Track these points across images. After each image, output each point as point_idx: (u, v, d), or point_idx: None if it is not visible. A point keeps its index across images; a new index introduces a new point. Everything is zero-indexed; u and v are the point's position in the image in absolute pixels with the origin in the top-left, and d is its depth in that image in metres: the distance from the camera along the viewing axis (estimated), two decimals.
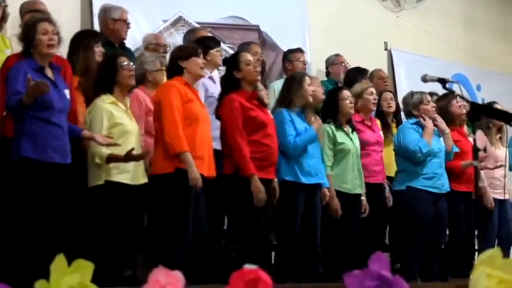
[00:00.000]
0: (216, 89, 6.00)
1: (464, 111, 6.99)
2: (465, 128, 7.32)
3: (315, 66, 8.46)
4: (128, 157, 4.94)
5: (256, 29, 8.24)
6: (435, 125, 6.65)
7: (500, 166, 7.04)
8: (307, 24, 8.70)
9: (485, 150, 6.97)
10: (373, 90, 6.68)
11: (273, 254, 6.01)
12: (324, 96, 6.40)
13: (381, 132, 6.73)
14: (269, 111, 5.76)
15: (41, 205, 4.66)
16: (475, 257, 7.32)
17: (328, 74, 8.09)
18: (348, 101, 6.26)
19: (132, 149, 4.94)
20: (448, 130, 6.66)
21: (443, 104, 6.94)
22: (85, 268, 1.52)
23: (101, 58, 5.56)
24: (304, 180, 5.79)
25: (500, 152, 7.17)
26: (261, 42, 7.93)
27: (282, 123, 5.79)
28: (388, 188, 6.62)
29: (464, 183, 6.87)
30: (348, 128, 6.30)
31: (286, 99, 5.96)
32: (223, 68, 6.06)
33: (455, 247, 6.87)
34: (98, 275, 1.61)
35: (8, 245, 4.59)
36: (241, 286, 1.40)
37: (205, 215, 5.20)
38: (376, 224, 6.44)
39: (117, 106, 5.14)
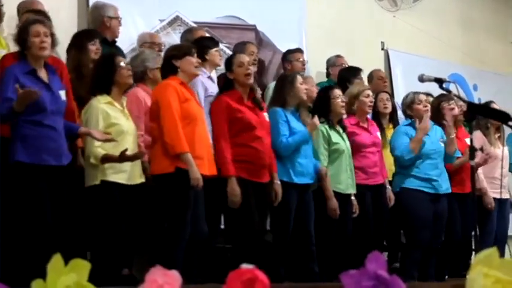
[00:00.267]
0: (215, 89, 5.99)
1: (456, 112, 7.01)
2: (464, 129, 7.33)
3: (311, 65, 8.45)
4: (122, 157, 4.94)
5: (253, 28, 8.24)
6: (443, 126, 6.67)
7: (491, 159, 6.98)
8: (303, 24, 8.69)
9: (482, 150, 6.97)
10: (369, 92, 6.67)
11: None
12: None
13: (379, 133, 6.72)
14: (265, 114, 5.70)
15: (37, 208, 4.65)
16: (472, 256, 7.33)
17: (328, 74, 8.09)
18: (339, 100, 6.26)
19: (126, 150, 4.93)
20: (452, 134, 6.63)
21: (435, 105, 6.94)
22: (81, 268, 1.52)
23: (97, 56, 5.56)
24: (297, 180, 5.79)
25: (500, 151, 7.16)
26: (257, 42, 7.93)
27: (276, 123, 5.79)
28: (389, 187, 6.61)
29: (457, 185, 6.87)
30: (339, 128, 6.29)
31: (279, 99, 5.96)
32: (221, 68, 6.07)
33: (451, 247, 6.87)
34: (94, 275, 1.61)
35: (6, 246, 4.58)
36: (238, 286, 1.41)
37: (204, 215, 5.20)
38: (376, 225, 6.44)
39: (113, 106, 5.13)
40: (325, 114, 6.24)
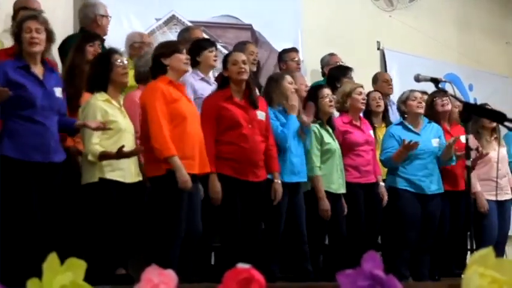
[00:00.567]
0: (209, 90, 5.97)
1: (447, 108, 7.02)
2: (459, 127, 7.33)
3: (307, 65, 8.46)
4: (120, 154, 4.93)
5: (249, 28, 8.24)
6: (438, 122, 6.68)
7: (482, 157, 6.96)
8: (299, 23, 8.70)
9: (477, 149, 6.97)
10: (361, 90, 6.67)
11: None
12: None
13: (371, 132, 6.72)
14: (258, 112, 5.68)
15: (25, 204, 4.64)
16: (468, 256, 7.34)
17: (324, 74, 8.09)
18: (327, 99, 6.25)
19: (123, 146, 4.92)
20: (451, 141, 6.63)
21: (428, 101, 6.96)
22: (77, 267, 1.52)
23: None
24: (286, 179, 5.79)
25: (495, 153, 7.10)
26: (253, 41, 7.92)
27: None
28: (382, 184, 6.62)
29: (450, 182, 6.88)
30: (328, 127, 6.29)
31: (266, 97, 5.97)
32: (219, 67, 6.07)
33: (441, 246, 6.87)
34: (90, 274, 1.61)
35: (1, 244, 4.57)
36: (234, 285, 1.40)
37: (200, 214, 5.20)
38: (370, 224, 6.44)
39: (110, 104, 5.12)
40: (315, 113, 6.24)
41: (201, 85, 6.05)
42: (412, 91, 6.74)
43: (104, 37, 6.42)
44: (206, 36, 7.13)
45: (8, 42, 5.50)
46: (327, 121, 6.30)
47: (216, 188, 5.40)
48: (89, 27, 6.44)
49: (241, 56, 5.71)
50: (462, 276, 1.50)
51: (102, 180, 4.98)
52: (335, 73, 7.46)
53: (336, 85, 7.03)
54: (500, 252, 7.02)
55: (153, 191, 5.12)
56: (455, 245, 7.00)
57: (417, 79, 4.53)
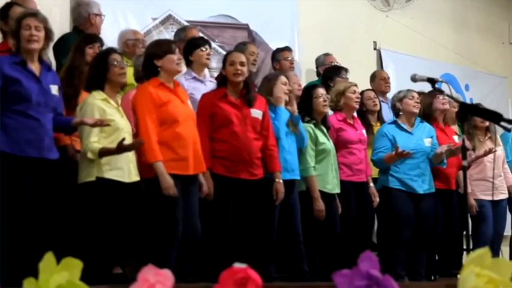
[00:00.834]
0: (200, 90, 5.96)
1: (447, 107, 7.04)
2: (451, 128, 7.35)
3: (304, 65, 8.47)
4: (120, 148, 4.91)
5: (245, 27, 8.25)
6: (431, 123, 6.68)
7: (490, 153, 6.97)
8: (296, 23, 8.70)
9: (473, 149, 6.98)
10: (355, 88, 6.66)
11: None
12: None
13: (364, 131, 6.73)
14: (253, 111, 5.67)
15: (20, 199, 4.62)
16: (464, 256, 7.35)
17: (318, 74, 8.09)
18: (321, 99, 6.24)
19: (124, 139, 4.91)
20: (443, 149, 6.65)
21: (427, 100, 6.97)
22: (74, 266, 1.52)
23: None
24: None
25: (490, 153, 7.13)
26: (250, 41, 7.92)
27: None
28: (372, 184, 6.62)
29: (444, 180, 6.89)
30: (323, 127, 6.29)
31: None
32: (214, 67, 6.06)
33: (435, 245, 6.87)
34: (86, 273, 1.61)
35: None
36: (231, 285, 1.41)
37: (198, 214, 5.21)
38: (362, 223, 6.45)
39: (108, 103, 5.12)
40: (309, 113, 6.24)
41: (193, 84, 6.02)
42: (409, 90, 6.75)
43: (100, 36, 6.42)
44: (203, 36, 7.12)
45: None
46: (321, 121, 6.30)
47: (209, 184, 5.41)
48: (83, 26, 6.44)
49: (240, 57, 5.68)
50: (458, 276, 1.51)
51: (100, 179, 4.96)
52: (329, 73, 7.47)
53: (329, 84, 7.04)
54: (495, 252, 7.03)
55: (147, 192, 5.11)
56: (451, 245, 7.01)
57: (414, 79, 4.53)
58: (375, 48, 9.60)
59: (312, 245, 6.03)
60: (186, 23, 7.57)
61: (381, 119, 7.26)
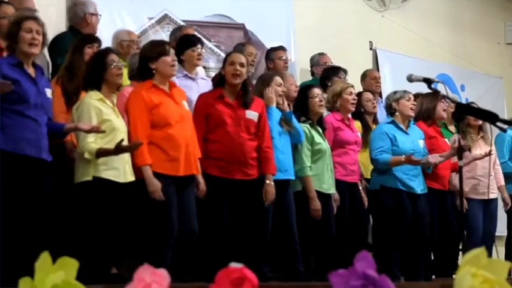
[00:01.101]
0: (191, 88, 5.96)
1: (445, 115, 7.07)
2: (452, 128, 7.38)
3: (300, 65, 8.47)
4: (118, 149, 4.91)
5: (241, 27, 8.24)
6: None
7: (487, 155, 7.00)
8: (292, 23, 8.70)
9: (470, 150, 6.99)
10: (352, 90, 6.66)
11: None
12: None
13: (359, 133, 6.73)
14: (248, 112, 5.66)
15: (18, 197, 4.61)
16: (459, 256, 7.36)
17: (313, 73, 8.09)
18: (317, 99, 6.24)
19: (122, 140, 4.91)
20: (437, 162, 6.67)
21: (430, 104, 6.96)
22: (70, 266, 1.51)
23: None
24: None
25: (483, 151, 7.15)
26: (246, 40, 7.92)
27: None
28: (361, 188, 6.62)
29: (439, 180, 6.90)
30: (318, 128, 6.29)
31: None
32: (210, 66, 6.05)
33: (432, 246, 6.88)
34: (82, 273, 1.61)
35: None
36: (227, 284, 1.40)
37: (195, 214, 5.20)
38: (356, 223, 6.45)
39: (104, 103, 5.11)
40: (305, 113, 6.24)
41: (184, 82, 6.00)
42: (406, 92, 6.74)
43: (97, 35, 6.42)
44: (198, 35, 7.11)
45: None
46: (317, 121, 6.30)
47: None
48: (79, 25, 6.43)
49: (240, 59, 5.67)
50: (454, 276, 1.51)
51: (96, 179, 4.96)
52: (327, 73, 7.48)
53: (327, 84, 7.05)
54: (487, 252, 7.03)
55: (142, 191, 5.11)
56: (447, 245, 7.01)
57: (410, 79, 4.53)
58: (370, 48, 9.60)
59: (308, 245, 6.03)
60: (182, 23, 7.56)
61: (376, 121, 7.27)
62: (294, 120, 6.04)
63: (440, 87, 5.23)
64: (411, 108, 6.72)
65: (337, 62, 7.93)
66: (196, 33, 6.99)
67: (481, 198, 7.30)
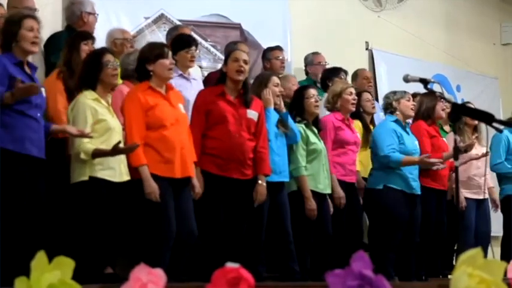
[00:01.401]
0: (186, 87, 5.96)
1: (444, 115, 7.08)
2: (447, 128, 7.39)
3: (296, 65, 8.47)
4: (115, 151, 4.91)
5: (238, 27, 8.24)
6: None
7: (484, 155, 7.03)
8: (288, 23, 8.70)
9: (466, 151, 7.00)
10: (352, 90, 6.65)
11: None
12: None
13: (359, 134, 6.73)
14: (249, 111, 5.66)
15: (20, 197, 4.60)
16: (453, 256, 7.37)
17: (307, 72, 8.10)
18: (313, 100, 6.24)
19: (119, 142, 4.91)
20: (439, 168, 6.69)
21: (430, 103, 6.97)
22: (66, 265, 1.51)
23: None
24: (268, 178, 5.76)
25: (477, 151, 7.17)
26: (243, 40, 7.92)
27: None
28: (358, 189, 6.63)
29: (438, 180, 6.91)
30: (314, 128, 6.29)
31: None
32: (206, 66, 6.04)
33: (427, 246, 6.88)
34: (78, 273, 1.61)
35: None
36: (224, 284, 1.40)
37: (192, 215, 5.20)
38: (353, 223, 6.46)
39: (99, 103, 5.11)
40: (300, 113, 6.24)
41: (180, 82, 6.01)
42: (406, 92, 6.76)
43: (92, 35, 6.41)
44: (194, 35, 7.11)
45: None
46: (312, 122, 6.30)
47: (199, 183, 5.39)
48: (76, 24, 6.42)
49: (243, 55, 5.69)
50: (449, 276, 1.51)
51: (92, 179, 4.95)
52: (327, 74, 7.51)
53: (328, 85, 7.07)
54: (483, 252, 7.04)
55: (138, 191, 5.10)
56: (442, 245, 7.02)
57: (406, 79, 4.53)
58: (366, 49, 9.61)
59: (304, 245, 6.03)
60: (178, 22, 7.56)
61: (373, 122, 7.27)
62: (290, 121, 6.04)
63: (437, 88, 5.24)
64: (411, 109, 6.75)
65: (333, 62, 7.93)
66: (192, 33, 6.99)
67: (475, 198, 7.34)
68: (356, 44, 9.44)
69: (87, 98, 5.06)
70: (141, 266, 1.53)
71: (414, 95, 6.92)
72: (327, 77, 7.42)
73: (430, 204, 6.79)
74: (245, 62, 5.62)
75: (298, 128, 6.12)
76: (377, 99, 8.18)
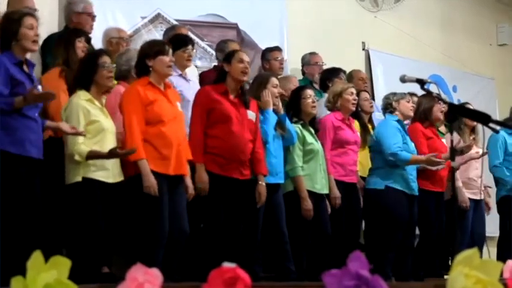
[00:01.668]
0: (185, 87, 5.96)
1: (442, 117, 7.10)
2: (443, 128, 7.39)
3: (292, 65, 8.46)
4: (112, 154, 4.91)
5: (234, 27, 8.24)
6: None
7: (484, 155, 7.06)
8: (285, 23, 8.70)
9: (462, 152, 7.01)
10: (353, 90, 6.66)
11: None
12: None
13: (358, 133, 6.74)
14: (249, 112, 5.67)
15: (22, 199, 4.60)
16: (449, 256, 7.37)
17: (303, 72, 8.10)
18: (309, 100, 6.25)
19: (117, 147, 4.92)
20: (439, 168, 6.70)
21: (428, 104, 6.97)
22: (62, 265, 1.51)
23: (83, 53, 5.55)
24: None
25: (472, 152, 7.18)
26: (239, 40, 7.92)
27: None
28: (358, 189, 6.63)
29: (437, 182, 6.91)
30: (311, 129, 6.29)
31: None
32: (203, 66, 6.05)
33: (427, 247, 6.89)
34: (75, 272, 1.60)
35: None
36: (220, 284, 1.40)
37: (186, 214, 5.20)
38: (351, 223, 6.46)
39: (93, 104, 5.10)
40: (297, 113, 6.24)
41: (180, 82, 6.02)
42: (405, 93, 6.79)
43: (89, 35, 6.39)
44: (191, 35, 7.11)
45: None
46: (309, 122, 6.30)
47: (203, 179, 5.39)
48: (74, 24, 6.41)
49: (247, 57, 5.72)
50: (445, 276, 1.51)
51: (86, 180, 4.95)
52: (326, 75, 7.52)
53: (327, 86, 7.08)
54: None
55: (132, 190, 5.10)
56: (440, 245, 7.03)
57: (403, 80, 4.53)
58: (363, 49, 9.60)
59: (300, 245, 6.03)
60: (175, 22, 7.55)
61: (371, 122, 7.28)
62: (287, 122, 6.05)
63: (433, 88, 5.25)
64: (411, 109, 6.77)
65: (330, 63, 7.94)
66: (189, 33, 6.99)
67: (473, 198, 7.35)
68: (353, 44, 9.44)
69: (81, 99, 5.05)
70: (137, 265, 1.53)
71: (411, 94, 6.95)
72: (326, 77, 7.44)
73: (429, 205, 6.80)
74: (248, 63, 5.66)
75: (295, 128, 6.12)
76: (373, 99, 8.18)
